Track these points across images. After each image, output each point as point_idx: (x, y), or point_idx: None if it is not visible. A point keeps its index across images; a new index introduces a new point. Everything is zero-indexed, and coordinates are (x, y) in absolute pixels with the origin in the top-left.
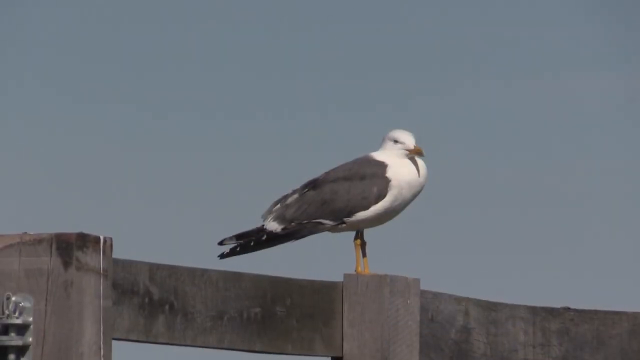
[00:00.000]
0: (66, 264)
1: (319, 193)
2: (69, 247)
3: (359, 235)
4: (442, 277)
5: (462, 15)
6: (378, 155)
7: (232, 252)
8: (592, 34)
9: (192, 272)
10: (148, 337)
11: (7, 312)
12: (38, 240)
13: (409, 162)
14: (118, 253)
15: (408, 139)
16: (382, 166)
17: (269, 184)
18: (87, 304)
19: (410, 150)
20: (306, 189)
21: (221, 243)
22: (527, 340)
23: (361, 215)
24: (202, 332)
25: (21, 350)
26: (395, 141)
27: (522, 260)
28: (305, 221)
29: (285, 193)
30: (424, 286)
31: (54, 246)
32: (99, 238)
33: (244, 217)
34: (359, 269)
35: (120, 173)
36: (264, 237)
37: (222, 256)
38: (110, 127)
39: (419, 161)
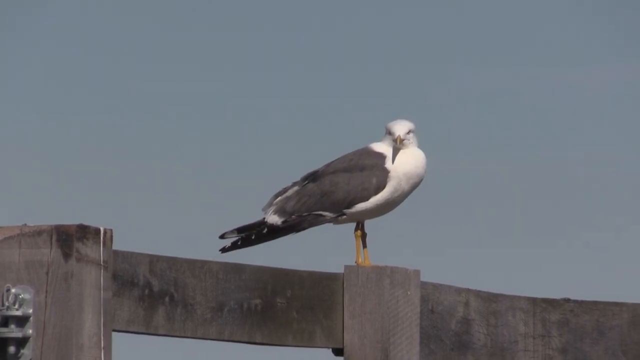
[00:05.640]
0: (66, 256)
1: (318, 185)
2: (69, 238)
3: (360, 227)
4: (442, 268)
5: (466, 7)
6: (378, 147)
7: (234, 246)
8: (598, 27)
9: (192, 264)
10: (148, 329)
11: (7, 304)
12: (38, 232)
13: (408, 153)
14: (118, 245)
15: (396, 129)
16: (382, 157)
17: (269, 177)
18: (87, 295)
19: (395, 141)
20: (306, 181)
21: (222, 236)
22: (527, 331)
23: (361, 206)
24: (202, 324)
25: (21, 342)
26: (388, 132)
27: (522, 252)
28: (305, 213)
29: (285, 185)
30: (424, 277)
31: (54, 238)
32: (99, 229)
33: (244, 211)
34: (360, 260)
35: (121, 165)
36: (265, 230)
37: (224, 250)
38: (110, 120)
39: (418, 152)
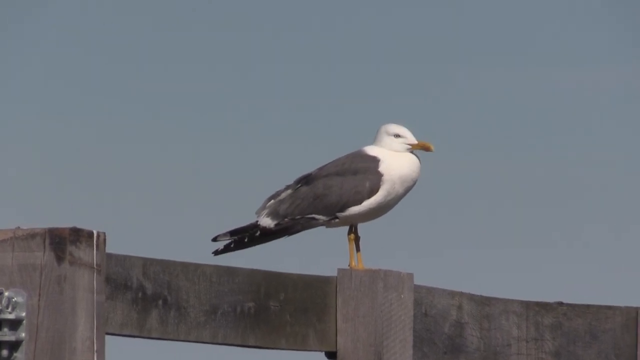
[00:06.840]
0: (59, 259)
1: (312, 188)
2: (62, 241)
3: (353, 230)
4: (435, 272)
5: (466, 7)
6: (371, 150)
7: (226, 249)
8: (598, 27)
9: (186, 267)
10: (141, 332)
11: (0, 307)
12: (31, 235)
13: (402, 156)
14: (111, 248)
15: (409, 134)
16: (375, 161)
17: (263, 179)
18: (80, 298)
19: (413, 145)
20: (299, 185)
21: (215, 239)
22: (520, 334)
23: (354, 210)
24: (195, 327)
25: (14, 345)
26: (397, 135)
27: (515, 255)
28: (298, 216)
29: (278, 189)
30: (417, 281)
31: (47, 241)
32: (92, 233)
33: (237, 213)
34: (353, 263)
35: (114, 168)
36: (258, 233)
37: (216, 253)
38: (104, 122)
39: (413, 156)
